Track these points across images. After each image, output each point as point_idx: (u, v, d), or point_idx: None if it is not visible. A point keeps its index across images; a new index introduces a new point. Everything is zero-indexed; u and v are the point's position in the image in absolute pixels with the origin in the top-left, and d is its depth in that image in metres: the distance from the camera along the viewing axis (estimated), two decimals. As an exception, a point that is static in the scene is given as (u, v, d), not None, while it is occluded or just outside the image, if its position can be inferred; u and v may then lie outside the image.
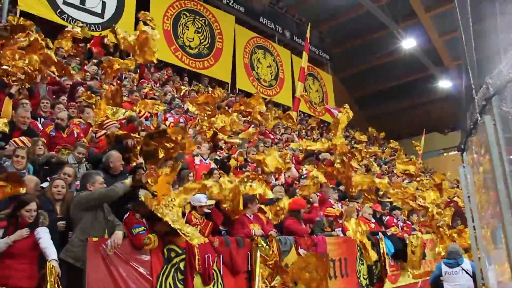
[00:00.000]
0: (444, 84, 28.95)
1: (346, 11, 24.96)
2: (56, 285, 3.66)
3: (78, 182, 5.61)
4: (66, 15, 14.13)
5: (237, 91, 18.90)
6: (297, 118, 17.16)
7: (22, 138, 5.76)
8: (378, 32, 25.62)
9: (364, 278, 7.94)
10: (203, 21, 19.04)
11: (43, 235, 3.98)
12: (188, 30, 18.24)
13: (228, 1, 20.48)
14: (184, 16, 18.26)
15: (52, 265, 3.72)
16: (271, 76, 22.18)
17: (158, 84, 14.27)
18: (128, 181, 4.83)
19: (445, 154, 29.51)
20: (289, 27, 24.14)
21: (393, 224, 9.53)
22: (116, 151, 5.95)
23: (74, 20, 13.88)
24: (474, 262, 6.69)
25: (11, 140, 5.62)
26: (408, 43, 24.84)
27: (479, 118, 4.21)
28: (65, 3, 14.19)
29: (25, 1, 13.08)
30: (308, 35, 16.04)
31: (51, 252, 3.87)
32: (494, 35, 4.05)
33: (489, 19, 4.02)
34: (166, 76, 15.67)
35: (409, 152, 22.94)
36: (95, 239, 4.39)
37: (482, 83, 4.08)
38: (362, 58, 27.92)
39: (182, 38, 17.93)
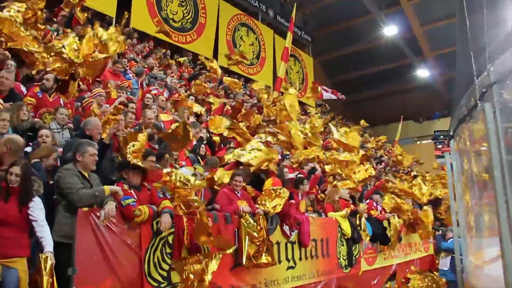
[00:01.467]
0: (422, 73, 29.34)
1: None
2: (51, 279, 3.51)
3: (60, 149, 5.46)
4: None
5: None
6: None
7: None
8: (361, 17, 25.64)
9: (343, 259, 8.04)
10: (187, -6, 18.63)
11: (37, 215, 3.81)
12: (172, 3, 17.80)
13: (213, -24, 20.06)
14: (169, -12, 17.81)
15: (47, 257, 3.56)
16: (253, 54, 21.97)
17: (140, 56, 14.00)
18: (107, 190, 4.45)
19: (418, 142, 30.03)
20: (273, 7, 23.89)
21: (373, 207, 9.66)
22: (96, 119, 5.79)
23: None
24: (454, 247, 6.86)
25: None
26: (390, 30, 25.00)
27: (479, 105, 4.22)
28: None
29: None
30: (293, 15, 15.88)
31: (47, 243, 3.71)
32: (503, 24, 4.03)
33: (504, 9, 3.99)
34: (148, 48, 15.37)
35: (387, 139, 23.23)
36: (85, 209, 4.25)
37: (483, 70, 4.11)
38: (343, 43, 27.92)
39: (166, 10, 17.52)
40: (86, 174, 4.54)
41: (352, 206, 8.87)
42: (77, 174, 4.40)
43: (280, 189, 6.40)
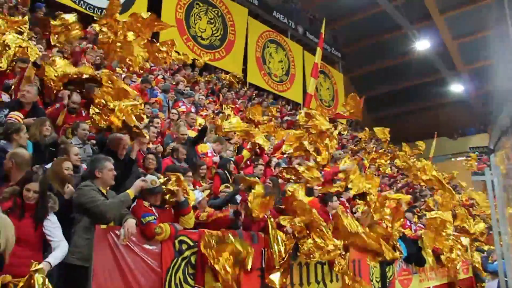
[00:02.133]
0: (456, 88, 28.65)
1: (360, 10, 24.55)
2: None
3: (85, 166, 5.32)
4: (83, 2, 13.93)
5: (247, 85, 18.57)
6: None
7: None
8: (391, 32, 25.33)
9: (376, 281, 7.64)
10: (216, 12, 18.73)
11: (54, 233, 3.63)
12: (200, 20, 17.94)
13: (242, -7, 20.18)
14: (197, 6, 17.94)
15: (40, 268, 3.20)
16: (283, 71, 21.87)
17: (168, 73, 13.99)
18: (132, 192, 4.35)
19: (453, 159, 29.14)
20: (302, 23, 23.82)
21: (406, 226, 9.24)
22: (121, 135, 5.64)
23: (93, 8, 13.92)
24: (498, 269, 6.43)
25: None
26: (422, 45, 24.54)
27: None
28: None
29: None
30: (323, 30, 15.65)
31: (54, 256, 3.52)
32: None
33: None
34: (177, 66, 15.39)
35: (420, 156, 22.58)
36: (103, 226, 4.06)
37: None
38: (374, 59, 27.58)
39: (194, 28, 17.64)
40: (104, 191, 4.34)
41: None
42: (96, 189, 4.21)
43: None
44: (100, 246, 4.00)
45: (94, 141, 6.04)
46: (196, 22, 17.75)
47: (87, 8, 14.12)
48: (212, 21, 18.45)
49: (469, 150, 28.73)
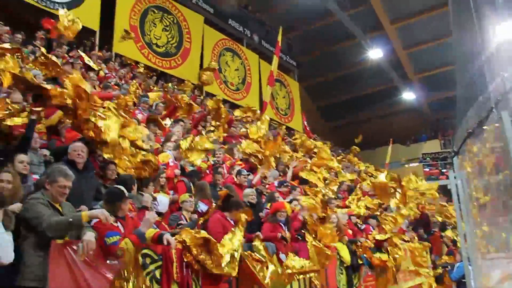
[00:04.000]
0: (408, 96, 29.36)
1: (315, 19, 24.80)
2: None
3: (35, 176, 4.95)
4: None
5: (204, 94, 18.29)
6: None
7: None
8: (345, 41, 25.71)
9: (343, 289, 7.55)
10: (171, 19, 18.39)
11: None
12: (155, 27, 17.56)
13: (197, 1, 19.90)
14: (152, 13, 17.54)
15: None
16: (239, 79, 21.73)
17: (123, 81, 13.59)
18: (86, 217, 3.77)
19: (406, 165, 29.79)
20: (258, 31, 23.80)
21: (370, 232, 9.22)
22: (81, 142, 5.30)
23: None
24: (464, 269, 6.46)
25: None
26: (374, 54, 24.98)
27: (494, 114, 3.91)
28: None
29: None
30: (279, 39, 15.67)
31: None
32: None
33: None
34: (131, 73, 14.99)
35: (373, 163, 22.90)
36: (59, 241, 3.69)
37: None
38: (329, 67, 27.92)
39: (149, 35, 17.24)
40: (57, 205, 3.93)
41: (350, 232, 8.42)
42: (46, 203, 3.78)
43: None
44: (56, 263, 3.62)
45: (45, 150, 5.66)
46: (151, 29, 17.36)
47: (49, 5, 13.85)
48: (167, 28, 18.09)
49: (421, 156, 29.54)
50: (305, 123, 23.82)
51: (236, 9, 23.36)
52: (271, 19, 25.09)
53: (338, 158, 18.54)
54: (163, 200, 5.49)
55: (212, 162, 8.90)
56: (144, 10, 17.20)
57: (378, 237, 8.78)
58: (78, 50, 12.86)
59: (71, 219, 3.67)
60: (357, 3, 23.05)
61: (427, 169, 27.88)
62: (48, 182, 3.91)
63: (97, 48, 14.84)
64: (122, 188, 4.41)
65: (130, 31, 14.73)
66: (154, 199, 5.45)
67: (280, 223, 6.63)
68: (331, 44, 26.61)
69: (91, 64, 12.43)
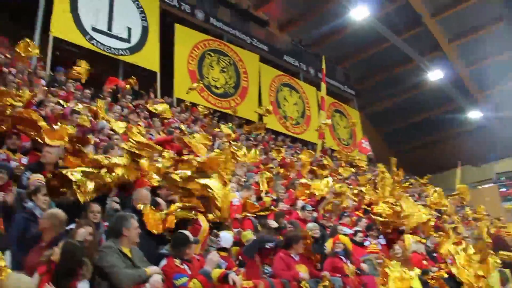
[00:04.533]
0: (474, 115, 28.23)
1: (369, 46, 24.77)
2: None
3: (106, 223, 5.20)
4: (95, 41, 14.70)
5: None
6: (323, 147, 17.60)
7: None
8: (403, 65, 25.39)
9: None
10: (227, 60, 19.03)
11: None
12: (213, 69, 18.24)
13: (251, 41, 20.55)
14: (209, 56, 18.28)
15: None
16: (298, 113, 21.90)
17: (185, 125, 14.04)
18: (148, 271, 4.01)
19: (479, 187, 28.45)
20: (313, 64, 23.99)
21: (443, 262, 8.82)
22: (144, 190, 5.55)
23: (103, 46, 14.78)
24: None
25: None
26: (435, 75, 24.45)
27: None
28: (94, 29, 14.79)
29: (57, 28, 13.72)
30: (323, 66, 16.07)
31: None
32: None
33: None
34: (193, 117, 15.47)
35: (445, 187, 22.05)
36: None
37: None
38: (389, 93, 27.52)
39: (208, 78, 17.90)
40: (128, 251, 4.16)
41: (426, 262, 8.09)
42: (118, 252, 4.05)
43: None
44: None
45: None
46: (209, 72, 18.04)
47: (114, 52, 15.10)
48: (224, 69, 18.73)
49: (495, 176, 28.11)
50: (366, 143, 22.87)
51: (290, 44, 23.78)
52: (325, 50, 25.24)
53: (406, 184, 18.01)
54: (226, 236, 5.57)
55: (275, 197, 8.97)
56: (201, 54, 17.94)
57: (454, 270, 8.40)
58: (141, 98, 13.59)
59: (141, 275, 3.91)
60: (411, 26, 22.84)
61: (503, 189, 26.52)
62: (126, 228, 4.20)
63: (159, 93, 15.54)
64: (187, 233, 4.56)
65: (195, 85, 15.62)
66: (217, 235, 5.54)
67: (340, 256, 6.51)
68: (388, 69, 26.33)
69: (159, 108, 13.05)
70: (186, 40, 17.60)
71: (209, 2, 20.34)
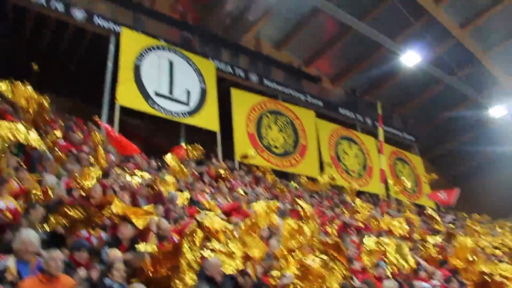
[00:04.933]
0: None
1: (424, 89, 24.54)
2: None
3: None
4: (157, 105, 15.30)
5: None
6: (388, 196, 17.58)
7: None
8: (462, 104, 24.81)
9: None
10: (284, 119, 19.22)
11: None
12: (271, 130, 18.42)
13: (306, 97, 20.80)
14: (266, 117, 18.55)
15: None
16: (359, 165, 21.53)
17: (248, 187, 14.04)
18: None
19: None
20: (369, 114, 23.77)
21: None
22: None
23: (165, 110, 15.40)
24: None
25: None
26: (497, 111, 23.64)
27: None
28: (157, 94, 15.44)
29: (122, 96, 14.42)
30: (379, 111, 16.01)
31: None
32: None
33: None
34: (254, 179, 15.47)
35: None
36: None
37: None
38: (450, 134, 26.75)
39: (267, 138, 18.08)
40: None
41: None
42: None
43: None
44: None
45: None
46: (267, 132, 18.23)
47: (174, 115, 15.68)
48: (282, 129, 18.89)
49: None
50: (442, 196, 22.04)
51: (344, 97, 23.83)
52: (379, 98, 25.03)
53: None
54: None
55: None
56: (259, 116, 18.23)
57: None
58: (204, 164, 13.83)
59: None
60: (464, 63, 22.46)
61: None
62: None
63: (220, 156, 15.76)
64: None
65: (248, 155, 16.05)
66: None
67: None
68: (447, 109, 25.72)
69: (222, 172, 13.22)
70: (243, 103, 18.00)
71: (262, 64, 20.91)
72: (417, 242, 10.94)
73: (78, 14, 15.39)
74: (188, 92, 16.38)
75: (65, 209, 5.67)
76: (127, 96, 14.63)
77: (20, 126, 7.09)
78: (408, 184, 20.00)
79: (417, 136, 26.61)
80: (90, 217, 5.91)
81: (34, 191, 6.48)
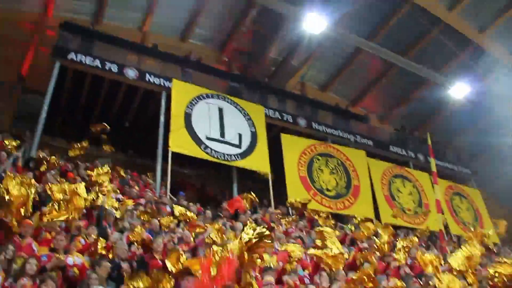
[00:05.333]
0: None
1: (477, 119, 23.87)
2: None
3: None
4: (209, 149, 15.67)
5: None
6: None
7: None
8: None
9: None
10: (335, 161, 19.17)
11: None
12: (322, 173, 18.39)
13: (355, 138, 20.76)
14: (317, 160, 18.57)
15: None
16: (414, 203, 20.98)
17: (304, 232, 13.94)
18: None
19: None
20: (421, 150, 23.33)
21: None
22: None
23: (217, 153, 15.71)
24: None
25: None
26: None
27: None
28: (208, 138, 15.86)
29: (175, 143, 14.85)
30: (429, 142, 15.71)
31: None
32: None
33: None
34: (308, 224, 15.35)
35: None
36: None
37: None
38: (508, 163, 25.68)
39: (319, 181, 18.05)
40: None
41: None
42: None
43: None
44: None
45: None
46: (319, 175, 18.20)
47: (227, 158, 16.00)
48: (334, 171, 18.81)
49: None
50: None
51: (393, 134, 23.54)
52: (430, 132, 24.56)
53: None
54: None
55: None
56: (310, 160, 18.29)
57: None
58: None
59: None
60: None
61: None
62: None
63: (272, 202, 15.81)
64: None
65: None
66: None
67: None
68: (502, 138, 24.81)
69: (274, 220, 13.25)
70: (293, 147, 18.14)
71: (309, 108, 21.12)
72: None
73: (131, 73, 16.23)
74: (240, 135, 16.78)
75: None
76: (179, 142, 15.09)
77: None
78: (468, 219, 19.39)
79: (474, 169, 25.78)
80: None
81: (99, 246, 6.79)
